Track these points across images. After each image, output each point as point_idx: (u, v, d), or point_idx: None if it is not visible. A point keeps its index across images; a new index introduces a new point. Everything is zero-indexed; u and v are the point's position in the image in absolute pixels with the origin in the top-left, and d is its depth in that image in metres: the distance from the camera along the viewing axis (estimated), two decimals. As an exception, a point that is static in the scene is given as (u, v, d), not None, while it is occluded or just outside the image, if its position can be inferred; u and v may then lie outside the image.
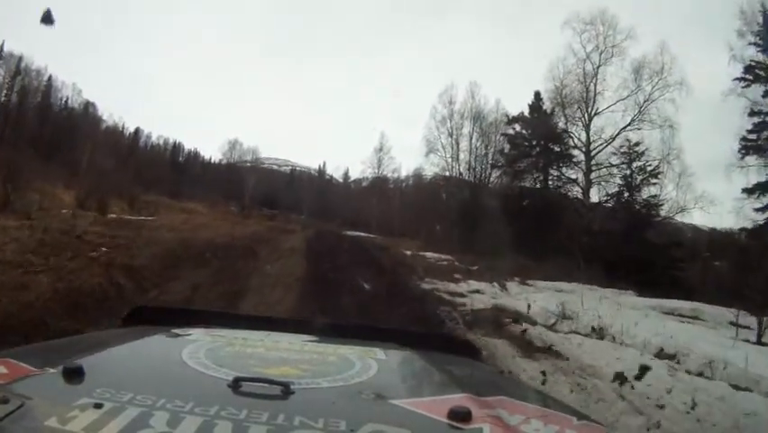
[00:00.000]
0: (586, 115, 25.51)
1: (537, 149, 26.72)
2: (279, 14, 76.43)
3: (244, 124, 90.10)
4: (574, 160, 25.87)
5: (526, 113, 28.42)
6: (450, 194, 32.67)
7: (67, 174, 28.57)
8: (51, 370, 0.96)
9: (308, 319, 2.17)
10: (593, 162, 24.77)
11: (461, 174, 31.38)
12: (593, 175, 24.73)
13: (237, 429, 0.78)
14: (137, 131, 47.08)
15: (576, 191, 25.42)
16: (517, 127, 28.75)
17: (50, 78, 37.25)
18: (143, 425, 0.77)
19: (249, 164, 52.33)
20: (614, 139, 24.59)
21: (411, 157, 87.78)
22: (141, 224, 17.21)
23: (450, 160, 31.07)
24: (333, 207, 49.52)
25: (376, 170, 45.40)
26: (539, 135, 26.77)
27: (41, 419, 0.77)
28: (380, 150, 44.14)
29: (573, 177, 25.69)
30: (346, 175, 54.87)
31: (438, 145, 31.07)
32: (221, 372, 1.04)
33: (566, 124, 26.15)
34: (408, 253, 22.43)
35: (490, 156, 30.60)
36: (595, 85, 25.60)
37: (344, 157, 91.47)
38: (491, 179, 31.12)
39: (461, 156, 30.98)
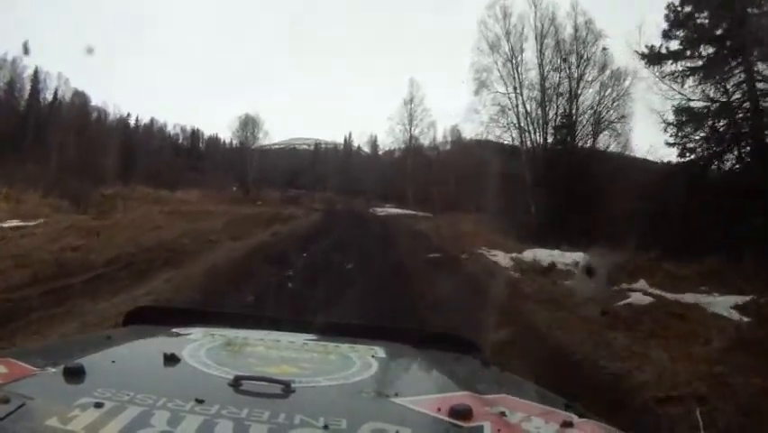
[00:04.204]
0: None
1: (725, 26, 12.53)
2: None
3: (267, 107, 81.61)
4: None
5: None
6: (520, 143, 20.75)
7: (30, 169, 23.68)
8: (52, 369, 0.96)
9: (308, 318, 2.04)
10: None
11: (528, 115, 21.89)
12: None
13: (238, 428, 0.77)
14: (151, 121, 44.68)
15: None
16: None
17: (36, 70, 35.43)
18: (144, 424, 0.76)
19: (275, 147, 48.96)
20: None
21: (448, 117, 72.78)
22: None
23: (512, 96, 21.97)
24: (362, 179, 44.97)
25: (407, 126, 38.88)
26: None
27: (42, 419, 0.76)
28: (411, 101, 37.06)
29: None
30: (374, 143, 49.80)
31: (493, 76, 22.21)
32: (221, 370, 1.03)
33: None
34: (499, 259, 11.27)
35: (573, 83, 21.20)
36: None
37: (372, 126, 78.83)
38: (580, 116, 21.14)
39: (525, 93, 21.69)
